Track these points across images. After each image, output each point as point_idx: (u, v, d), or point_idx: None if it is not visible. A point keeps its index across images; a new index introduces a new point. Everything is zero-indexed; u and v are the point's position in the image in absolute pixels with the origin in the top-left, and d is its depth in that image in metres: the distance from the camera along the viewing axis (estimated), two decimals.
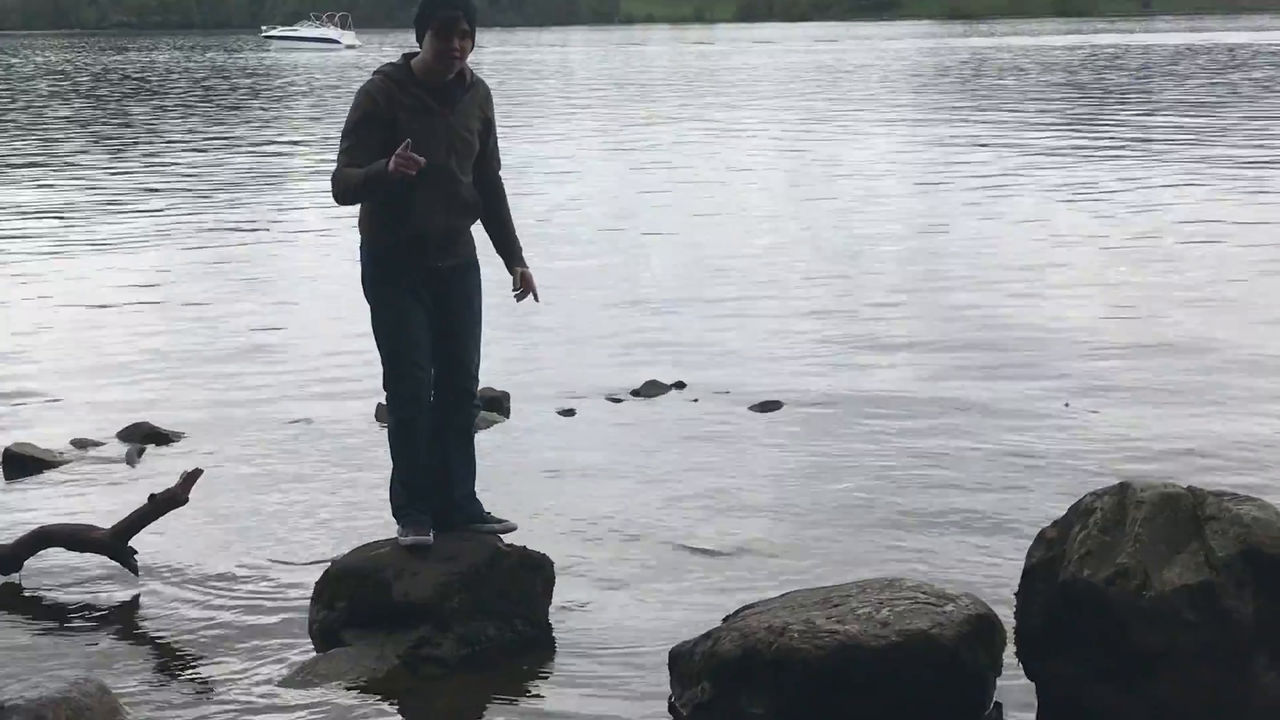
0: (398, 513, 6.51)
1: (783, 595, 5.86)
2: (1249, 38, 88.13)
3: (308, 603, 6.50)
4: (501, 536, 6.56)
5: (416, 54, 6.35)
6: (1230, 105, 36.73)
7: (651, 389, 10.39)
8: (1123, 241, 16.31)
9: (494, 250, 6.63)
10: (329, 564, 6.59)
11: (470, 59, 6.33)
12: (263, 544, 7.50)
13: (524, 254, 6.64)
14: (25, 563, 7.12)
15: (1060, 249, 16.03)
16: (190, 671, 6.11)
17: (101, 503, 8.08)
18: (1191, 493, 5.47)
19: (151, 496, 7.09)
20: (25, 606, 6.81)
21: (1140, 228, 17.22)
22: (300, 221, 19.49)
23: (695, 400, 10.16)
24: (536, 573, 6.46)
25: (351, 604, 6.29)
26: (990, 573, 6.85)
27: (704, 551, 7.32)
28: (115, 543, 7.02)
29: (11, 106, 46.65)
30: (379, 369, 6.51)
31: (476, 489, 6.66)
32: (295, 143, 32.16)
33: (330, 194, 6.36)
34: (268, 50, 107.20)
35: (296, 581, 6.90)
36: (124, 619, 6.67)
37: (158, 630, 6.54)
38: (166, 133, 35.13)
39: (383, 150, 6.12)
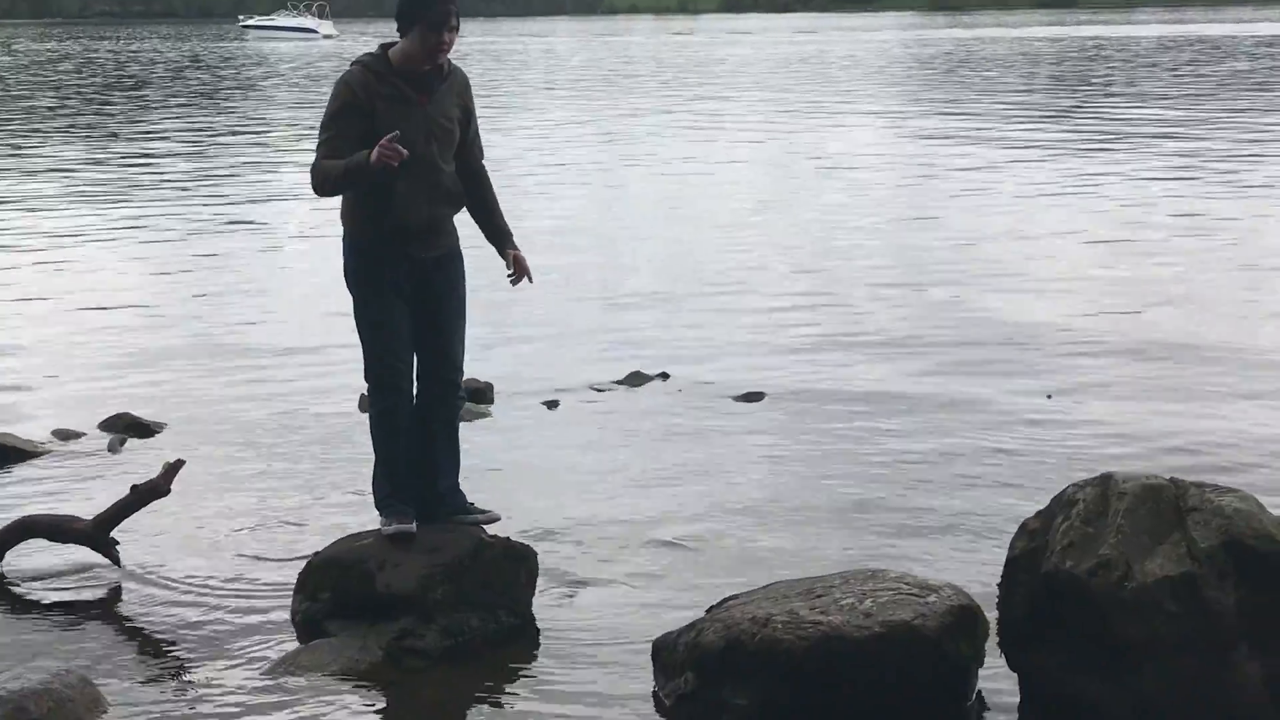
0: (380, 503, 6.51)
1: (766, 586, 5.86)
2: (1231, 29, 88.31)
3: (290, 594, 6.49)
4: (485, 527, 6.57)
5: (394, 44, 6.34)
6: (1213, 97, 36.81)
7: (635, 380, 10.40)
8: (1105, 235, 16.34)
9: (484, 240, 6.63)
10: (312, 555, 6.58)
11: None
12: (245, 535, 7.49)
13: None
14: (6, 554, 7.09)
15: (1043, 242, 16.06)
16: (172, 662, 6.10)
17: (83, 493, 8.07)
18: (1174, 484, 5.48)
19: (134, 487, 7.07)
20: (6, 598, 6.79)
21: (1123, 221, 17.25)
22: (281, 213, 19.43)
23: (679, 391, 10.17)
24: (520, 564, 6.45)
25: (334, 595, 6.28)
26: (973, 563, 6.87)
27: (688, 542, 7.32)
28: (97, 533, 7.00)
29: None
30: (361, 360, 6.50)
31: (460, 480, 6.66)
32: (275, 134, 32.06)
33: (310, 186, 6.35)
34: (244, 40, 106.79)
35: (279, 572, 6.89)
36: (106, 610, 6.66)
37: (139, 621, 6.53)
38: (144, 125, 35.00)
39: (361, 140, 6.11)
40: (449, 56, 6.35)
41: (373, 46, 6.46)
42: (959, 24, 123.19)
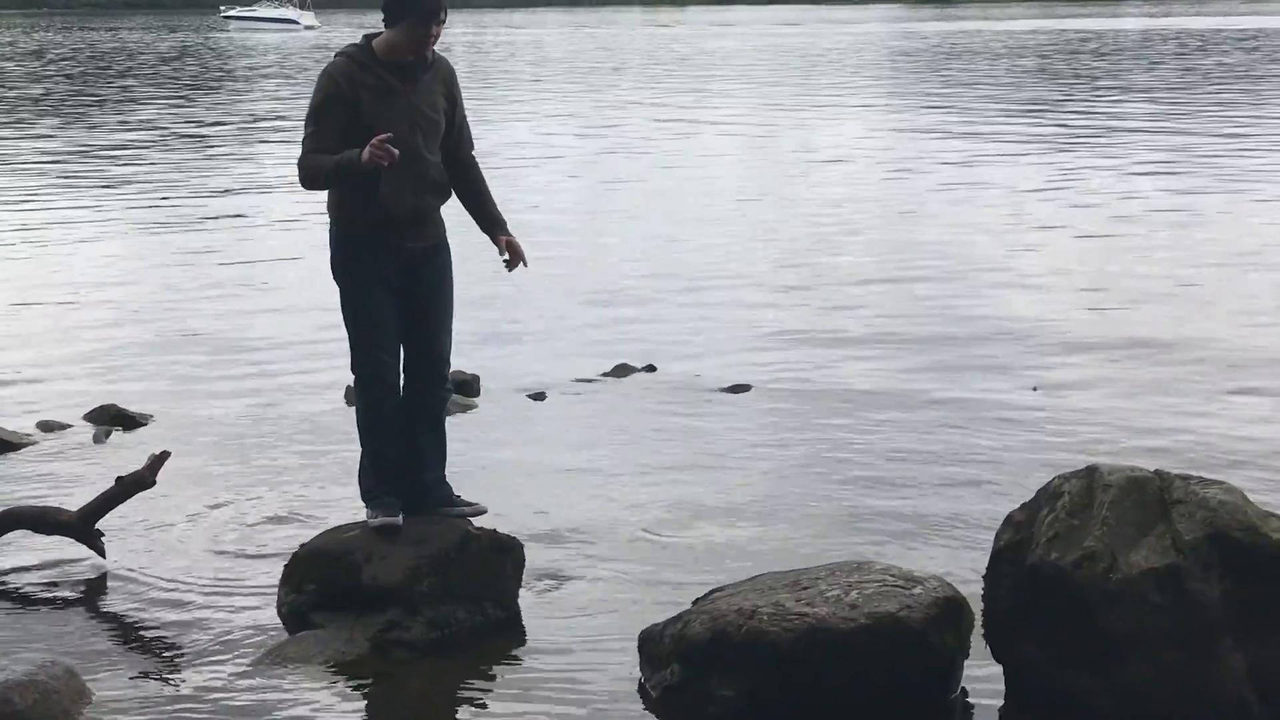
0: (366, 495, 6.51)
1: (752, 578, 5.87)
2: (1218, 23, 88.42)
3: (276, 585, 6.48)
4: (471, 520, 6.56)
5: (378, 34, 6.32)
6: (1201, 91, 36.87)
7: (622, 372, 10.41)
8: (1091, 230, 16.36)
9: (468, 231, 6.62)
10: (298, 546, 6.58)
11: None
12: (231, 526, 7.48)
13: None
14: None
15: (1029, 235, 16.08)
16: (157, 654, 6.09)
17: (68, 485, 8.05)
18: (1159, 476, 5.49)
19: (119, 479, 7.05)
20: None
21: (1111, 216, 17.26)
22: (268, 205, 19.39)
23: (666, 383, 10.17)
24: (506, 556, 6.46)
25: (321, 586, 6.28)
26: (958, 555, 6.88)
27: (674, 534, 7.33)
28: (82, 525, 6.98)
29: None
30: (348, 352, 6.49)
31: (446, 472, 6.66)
32: (261, 126, 31.98)
33: (298, 179, 6.34)
34: (226, 31, 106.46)
35: (265, 564, 6.89)
36: (91, 602, 6.65)
37: (125, 613, 6.51)
38: (129, 117, 34.89)
39: (346, 131, 6.10)
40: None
41: (355, 37, 6.45)
42: (945, 17, 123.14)
